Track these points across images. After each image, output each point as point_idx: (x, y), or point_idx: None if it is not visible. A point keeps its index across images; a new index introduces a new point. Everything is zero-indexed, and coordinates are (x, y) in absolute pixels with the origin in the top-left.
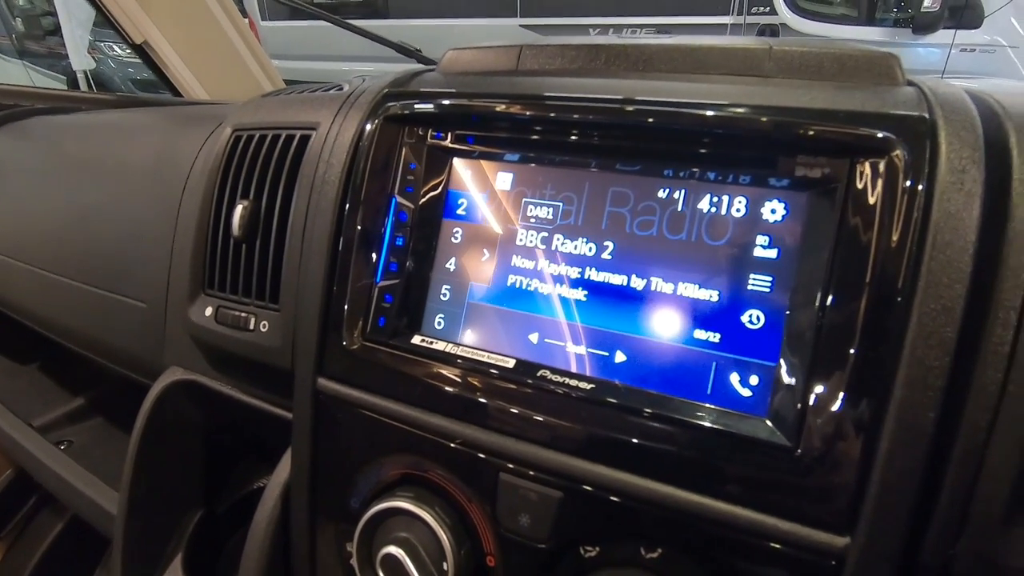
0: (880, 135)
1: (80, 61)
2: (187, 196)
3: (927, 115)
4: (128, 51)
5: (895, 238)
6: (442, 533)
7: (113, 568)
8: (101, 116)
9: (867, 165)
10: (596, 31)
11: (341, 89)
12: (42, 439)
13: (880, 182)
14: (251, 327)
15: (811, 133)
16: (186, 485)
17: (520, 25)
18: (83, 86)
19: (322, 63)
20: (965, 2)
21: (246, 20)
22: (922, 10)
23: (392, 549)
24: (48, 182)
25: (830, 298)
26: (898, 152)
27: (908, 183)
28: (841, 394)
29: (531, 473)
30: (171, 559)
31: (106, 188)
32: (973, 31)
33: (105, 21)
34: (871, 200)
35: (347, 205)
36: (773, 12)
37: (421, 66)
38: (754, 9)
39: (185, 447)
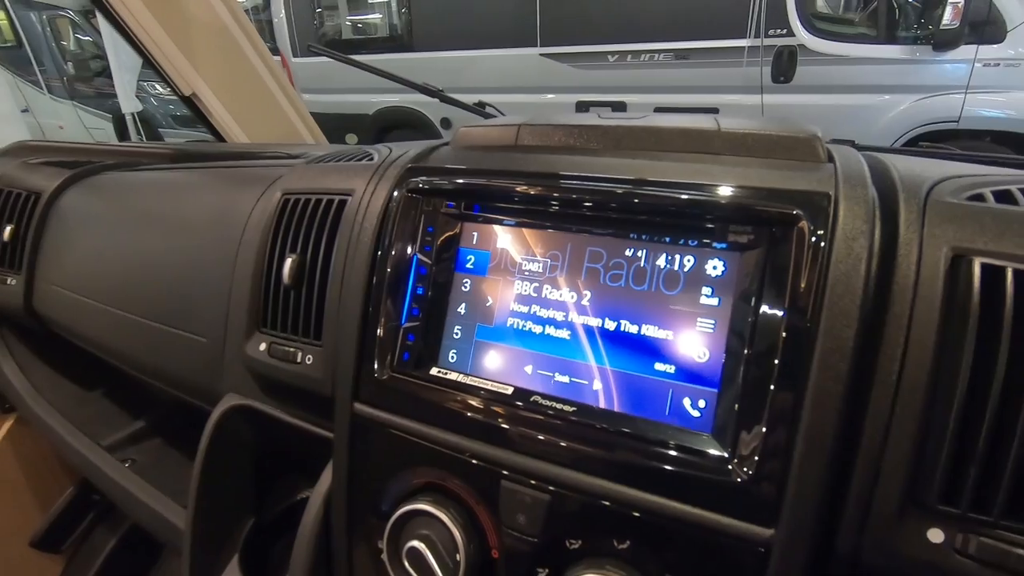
0: (793, 211)
1: (128, 104)
2: (243, 248)
3: (831, 192)
4: (168, 90)
5: (802, 291)
6: (455, 530)
7: (182, 569)
8: (165, 174)
9: (782, 233)
10: (615, 58)
11: (372, 159)
12: (111, 457)
13: (791, 247)
14: (298, 360)
15: (740, 207)
16: (241, 496)
17: (540, 54)
18: (130, 126)
19: (350, 95)
20: (986, 17)
21: (278, 58)
22: (942, 27)
23: (415, 543)
24: (120, 232)
25: (755, 338)
26: (803, 224)
27: (811, 249)
28: (765, 415)
29: (526, 480)
30: (228, 560)
31: (172, 239)
32: (996, 46)
33: (156, 75)
34: (784, 261)
35: (377, 261)
36: (790, 34)
37: (438, 140)
38: (771, 31)
39: (240, 463)
